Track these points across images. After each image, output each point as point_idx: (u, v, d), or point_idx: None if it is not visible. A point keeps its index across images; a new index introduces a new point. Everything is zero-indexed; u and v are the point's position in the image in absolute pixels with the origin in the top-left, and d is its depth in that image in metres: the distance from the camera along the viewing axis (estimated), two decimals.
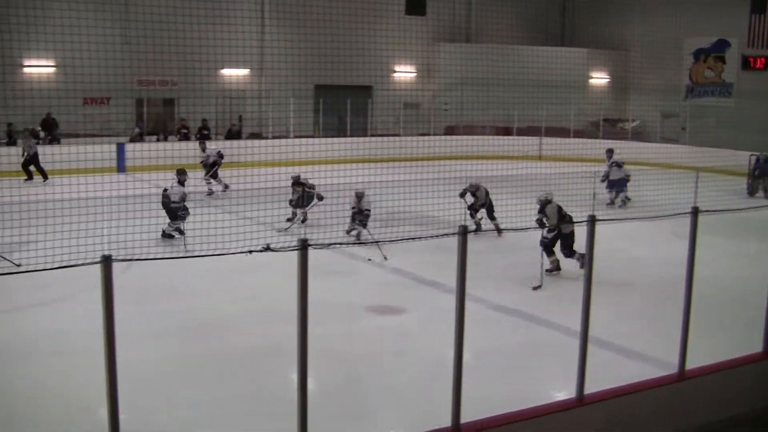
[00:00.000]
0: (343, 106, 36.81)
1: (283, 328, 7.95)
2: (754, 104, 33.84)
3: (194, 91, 32.66)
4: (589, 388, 8.59)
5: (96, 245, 10.70)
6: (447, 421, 7.68)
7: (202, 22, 30.85)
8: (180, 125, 35.01)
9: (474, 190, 19.67)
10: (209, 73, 34.49)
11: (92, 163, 23.18)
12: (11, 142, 31.26)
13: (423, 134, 38.16)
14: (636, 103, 40.16)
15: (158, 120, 37.57)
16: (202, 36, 30.60)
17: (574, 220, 13.32)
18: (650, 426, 9.16)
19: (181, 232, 17.95)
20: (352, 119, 37.25)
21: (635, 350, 11.50)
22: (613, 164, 24.28)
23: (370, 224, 17.68)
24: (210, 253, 10.02)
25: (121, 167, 30.52)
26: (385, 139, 33.24)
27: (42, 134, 31.78)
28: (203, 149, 26.58)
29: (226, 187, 24.99)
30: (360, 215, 17.99)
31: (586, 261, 8.42)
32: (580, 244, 14.27)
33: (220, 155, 25.66)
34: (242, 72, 38.47)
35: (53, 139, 31.81)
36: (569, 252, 15.46)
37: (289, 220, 19.91)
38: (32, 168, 27.11)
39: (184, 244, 16.98)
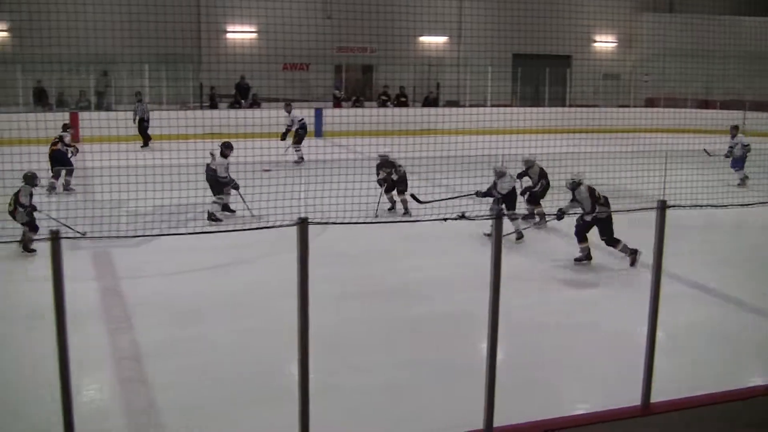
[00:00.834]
0: (542, 76, 36.32)
1: (474, 295, 7.79)
2: None
3: (392, 58, 32.81)
4: None
5: (293, 207, 10.81)
6: (635, 399, 7.39)
7: None
8: (381, 92, 35.32)
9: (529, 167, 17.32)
10: (408, 41, 34.57)
11: (294, 128, 23.64)
12: (213, 105, 32.18)
13: (622, 106, 37.22)
14: None
15: (356, 86, 37.96)
16: (402, 3, 30.64)
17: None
18: None
19: (229, 210, 16.63)
20: (550, 89, 36.73)
21: None
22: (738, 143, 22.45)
23: None
24: (404, 219, 9.96)
25: (318, 132, 30.95)
26: (584, 110, 32.62)
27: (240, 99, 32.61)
28: (288, 111, 25.16)
29: (301, 159, 23.89)
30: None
31: (655, 257, 7.25)
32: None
33: (303, 127, 24.82)
34: (440, 39, 38.43)
35: (253, 103, 32.57)
36: (610, 240, 14.01)
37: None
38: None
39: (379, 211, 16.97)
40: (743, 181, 22.16)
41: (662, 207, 7.17)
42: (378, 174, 17.13)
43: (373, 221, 9.62)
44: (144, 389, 8.98)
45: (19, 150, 14.62)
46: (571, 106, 35.38)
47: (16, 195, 13.81)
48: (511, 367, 9.05)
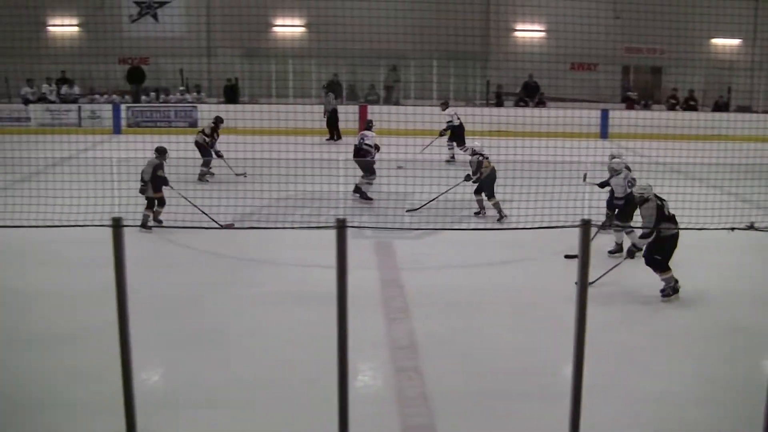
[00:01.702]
0: None
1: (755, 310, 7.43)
2: None
3: (682, 60, 31.85)
4: None
5: (576, 209, 10.71)
6: None
7: None
8: (669, 95, 34.41)
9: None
10: (699, 42, 33.48)
11: (578, 128, 23.37)
12: (499, 102, 32.35)
13: None
14: None
15: (645, 88, 37.12)
16: (693, 3, 29.69)
17: None
18: None
19: (365, 197, 16.71)
20: None
21: None
22: None
23: None
24: (690, 226, 9.66)
25: (604, 134, 30.49)
26: None
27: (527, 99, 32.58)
28: (443, 108, 23.66)
29: (452, 158, 22.29)
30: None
31: None
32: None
33: (459, 125, 23.16)
34: (733, 42, 36.97)
35: (539, 102, 32.48)
36: (657, 265, 11.81)
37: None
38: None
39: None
40: None
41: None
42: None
43: (685, 228, 9.42)
44: (418, 378, 9.14)
45: (311, 140, 15.19)
46: None
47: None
48: None
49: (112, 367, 6.39)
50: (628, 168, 13.79)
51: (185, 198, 14.73)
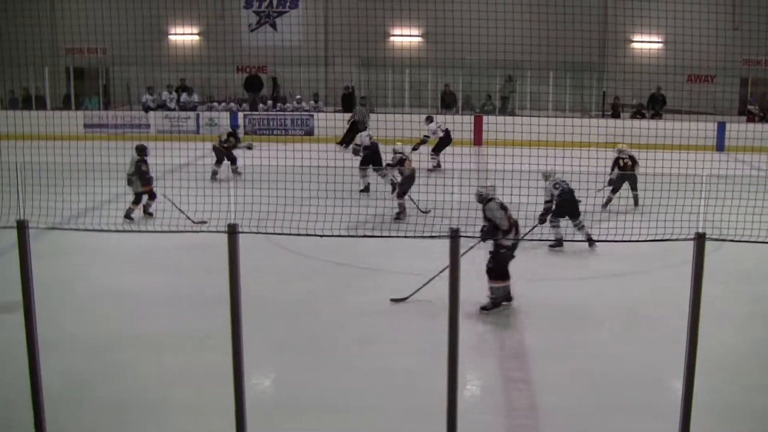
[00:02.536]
0: None
1: None
2: None
3: None
4: None
5: (690, 222, 10.56)
6: None
7: None
8: None
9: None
10: None
11: (694, 141, 22.96)
12: (615, 114, 32.02)
13: None
14: None
15: (763, 100, 36.30)
16: None
17: None
18: None
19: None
20: None
21: None
22: None
23: None
24: None
25: (720, 146, 29.96)
26: None
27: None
28: (428, 123, 24.42)
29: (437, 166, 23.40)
30: None
31: None
32: None
33: (447, 135, 24.16)
34: None
35: (655, 114, 32.08)
36: (490, 273, 11.54)
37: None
38: None
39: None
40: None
41: None
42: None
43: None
44: (527, 389, 9.15)
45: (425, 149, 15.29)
46: None
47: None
48: None
49: (223, 370, 6.57)
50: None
51: (165, 197, 15.44)
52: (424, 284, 11.54)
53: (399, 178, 17.18)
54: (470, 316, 10.88)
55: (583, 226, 14.77)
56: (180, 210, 14.42)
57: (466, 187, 14.38)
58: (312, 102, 31.70)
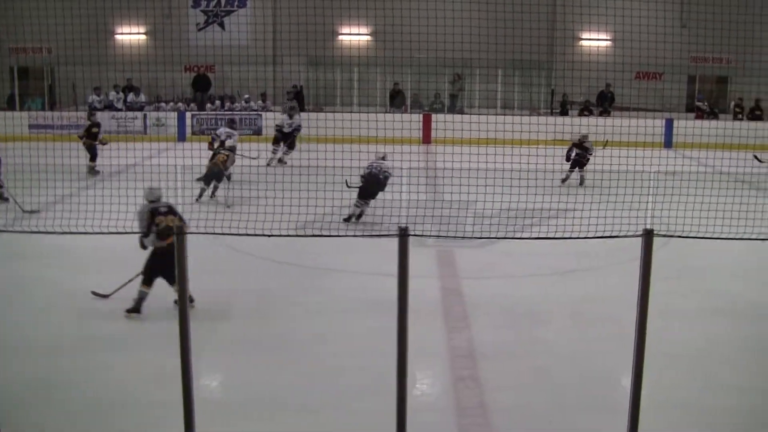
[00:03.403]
0: None
1: None
2: None
3: (749, 69, 31.45)
4: None
5: (638, 218, 10.64)
6: None
7: None
8: (735, 104, 34.04)
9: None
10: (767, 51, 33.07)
11: (642, 137, 23.13)
12: (564, 111, 32.18)
13: None
14: None
15: (710, 97, 36.73)
16: (765, 12, 29.30)
17: None
18: None
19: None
20: None
21: None
22: None
23: None
24: (754, 236, 9.54)
25: (668, 143, 30.24)
26: None
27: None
28: (291, 116, 24.96)
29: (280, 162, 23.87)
30: None
31: None
32: None
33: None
34: None
35: (603, 111, 32.30)
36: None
37: None
38: None
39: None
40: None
41: None
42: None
43: (719, 237, 9.26)
44: (477, 388, 9.13)
45: (366, 148, 15.27)
46: None
47: None
48: None
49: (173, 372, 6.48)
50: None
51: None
52: (128, 281, 11.31)
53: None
54: (420, 315, 10.84)
55: None
56: (14, 200, 14.29)
57: (415, 186, 14.40)
58: (260, 101, 31.52)
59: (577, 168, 21.53)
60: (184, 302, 6.34)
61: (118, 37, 33.57)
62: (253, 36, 30.87)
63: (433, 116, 29.02)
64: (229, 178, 18.17)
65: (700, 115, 33.27)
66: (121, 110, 30.66)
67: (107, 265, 13.14)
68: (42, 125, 28.91)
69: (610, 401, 8.54)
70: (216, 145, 19.96)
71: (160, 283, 10.92)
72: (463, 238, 14.69)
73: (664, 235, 6.50)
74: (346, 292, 12.24)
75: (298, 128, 24.66)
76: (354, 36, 33.75)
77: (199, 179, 18.14)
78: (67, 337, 10.43)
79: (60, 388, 8.92)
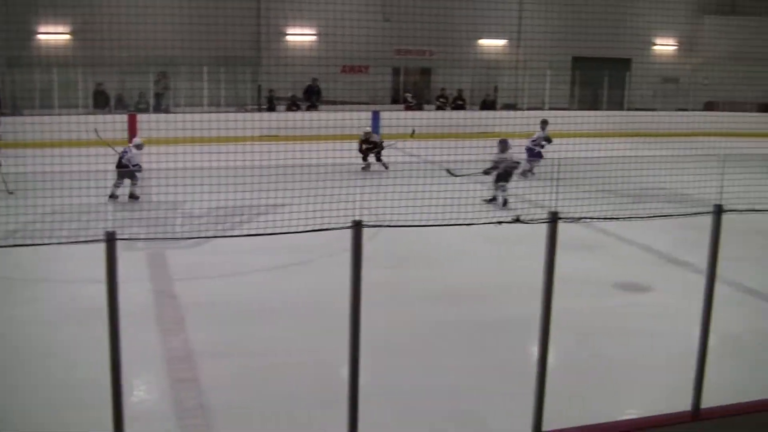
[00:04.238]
0: (600, 79, 36.02)
1: (532, 301, 7.75)
2: None
3: (451, 61, 32.77)
4: None
5: (348, 210, 10.80)
6: (687, 405, 7.38)
7: None
8: (438, 95, 35.35)
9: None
10: (467, 44, 34.53)
11: (349, 130, 23.61)
12: (271, 107, 32.33)
13: (681, 109, 36.73)
14: None
15: (414, 89, 37.97)
16: (461, 6, 30.60)
17: None
18: None
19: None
20: (609, 92, 36.44)
21: None
22: None
23: None
24: (461, 222, 9.95)
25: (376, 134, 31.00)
26: (642, 113, 32.23)
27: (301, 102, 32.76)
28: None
29: None
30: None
31: (709, 262, 7.30)
32: None
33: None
34: (499, 42, 38.27)
35: (311, 105, 32.69)
36: None
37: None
38: None
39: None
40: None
41: (718, 211, 7.12)
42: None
43: (429, 224, 9.57)
44: (195, 389, 9.04)
45: (77, 152, 14.80)
46: (629, 109, 35.12)
47: None
48: (563, 371, 9.07)
49: None
50: None
51: None
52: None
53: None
54: (133, 320, 10.59)
55: None
56: None
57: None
58: None
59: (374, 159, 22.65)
60: None
61: None
62: None
63: (139, 116, 28.43)
64: None
65: (409, 107, 34.35)
66: None
67: None
68: None
69: (329, 393, 8.65)
70: None
71: None
72: (173, 239, 14.50)
73: (373, 225, 6.63)
74: (53, 302, 11.80)
75: None
76: (53, 35, 32.51)
77: None
78: None
79: None
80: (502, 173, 17.76)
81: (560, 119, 24.23)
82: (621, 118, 31.36)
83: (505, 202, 17.67)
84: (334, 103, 31.34)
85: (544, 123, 24.16)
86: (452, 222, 10.07)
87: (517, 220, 7.23)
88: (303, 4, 29.20)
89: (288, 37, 35.71)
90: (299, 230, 8.55)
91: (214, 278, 13.19)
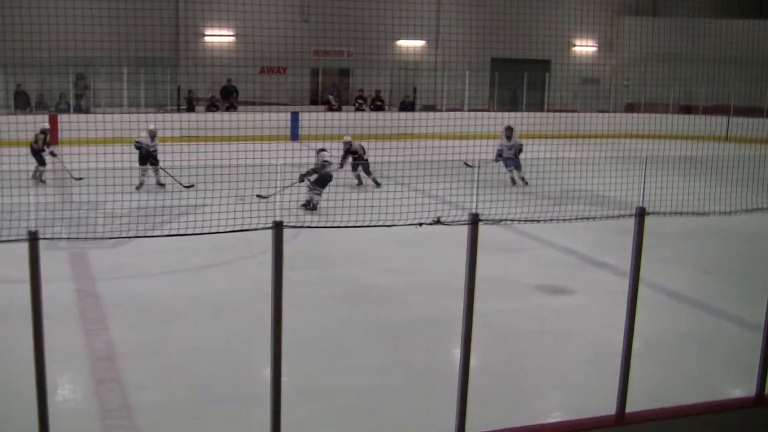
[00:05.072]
0: (520, 80, 36.39)
1: (447, 302, 7.95)
2: None
3: (369, 62, 32.89)
4: None
5: (268, 211, 10.91)
6: (611, 409, 7.46)
7: None
8: (357, 96, 35.48)
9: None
10: (385, 44, 34.71)
11: (268, 131, 23.63)
12: (190, 108, 32.23)
13: (602, 111, 37.24)
14: None
15: (334, 90, 38.02)
16: (379, 7, 30.75)
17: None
18: None
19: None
20: (528, 94, 36.83)
21: None
22: None
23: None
24: (380, 223, 10.10)
25: (294, 136, 31.00)
26: (562, 114, 32.68)
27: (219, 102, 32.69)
28: None
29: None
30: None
31: (632, 265, 7.34)
32: None
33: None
34: (418, 43, 38.54)
35: (230, 106, 32.63)
36: None
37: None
38: None
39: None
40: (522, 181, 22.78)
41: (641, 214, 7.28)
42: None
43: (348, 225, 9.68)
44: (119, 389, 9.08)
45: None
46: (549, 111, 35.53)
47: None
48: (486, 373, 9.22)
49: None
50: None
51: None
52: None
53: None
54: (56, 320, 10.58)
55: None
56: None
57: (43, 188, 14.00)
58: None
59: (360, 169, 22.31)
60: None
61: None
62: None
63: (59, 117, 28.16)
64: None
65: (331, 108, 34.40)
66: None
67: None
68: None
69: (250, 392, 8.75)
70: None
71: None
72: (95, 239, 14.46)
73: (293, 227, 6.77)
74: None
75: None
76: None
77: None
78: None
79: None
80: (319, 179, 18.07)
81: (479, 121, 24.44)
82: (541, 119, 31.76)
83: (314, 207, 17.92)
84: (253, 104, 31.32)
85: (509, 129, 23.99)
86: (371, 224, 10.24)
87: (437, 222, 7.31)
88: (221, 5, 29.17)
89: (206, 38, 35.61)
90: (220, 230, 8.64)
91: (136, 278, 13.21)
